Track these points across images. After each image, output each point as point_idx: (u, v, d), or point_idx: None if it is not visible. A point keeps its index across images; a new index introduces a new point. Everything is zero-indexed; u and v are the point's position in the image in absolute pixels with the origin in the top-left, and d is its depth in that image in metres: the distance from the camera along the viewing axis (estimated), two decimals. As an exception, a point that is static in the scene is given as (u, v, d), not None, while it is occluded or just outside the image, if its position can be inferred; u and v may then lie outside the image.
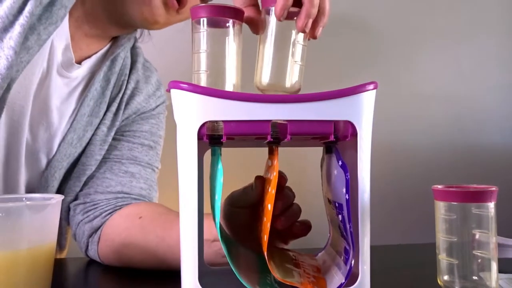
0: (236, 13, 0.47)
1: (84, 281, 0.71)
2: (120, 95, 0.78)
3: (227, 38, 0.47)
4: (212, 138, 0.45)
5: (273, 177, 0.47)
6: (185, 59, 0.48)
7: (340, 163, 0.47)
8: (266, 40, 0.47)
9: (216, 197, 0.45)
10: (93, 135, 0.76)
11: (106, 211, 0.74)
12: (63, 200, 0.74)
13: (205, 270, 0.53)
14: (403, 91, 1.35)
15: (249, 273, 0.47)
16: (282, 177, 0.53)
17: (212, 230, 0.49)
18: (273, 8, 0.46)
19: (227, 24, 0.47)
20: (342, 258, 0.49)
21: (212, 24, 0.47)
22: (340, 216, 0.47)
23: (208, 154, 0.50)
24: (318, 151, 0.55)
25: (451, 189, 0.52)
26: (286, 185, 0.56)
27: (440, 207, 0.52)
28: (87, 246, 0.75)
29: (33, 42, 0.62)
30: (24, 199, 0.57)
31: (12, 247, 0.49)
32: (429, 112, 1.37)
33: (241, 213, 0.56)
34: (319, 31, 0.48)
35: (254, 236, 0.53)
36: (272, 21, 0.47)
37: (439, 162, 1.35)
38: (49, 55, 0.69)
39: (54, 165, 0.73)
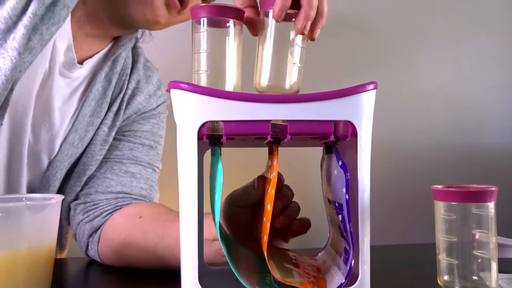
0: (236, 13, 0.47)
1: (84, 281, 0.71)
2: (121, 95, 0.78)
3: (227, 38, 0.47)
4: (212, 138, 0.45)
5: (273, 177, 0.47)
6: (186, 59, 0.48)
7: (340, 163, 0.47)
8: (265, 42, 0.47)
9: (216, 197, 0.45)
10: (94, 135, 0.76)
11: (106, 211, 0.74)
12: (63, 200, 0.74)
13: (205, 270, 0.53)
14: (403, 91, 1.35)
15: (248, 273, 0.47)
16: (278, 178, 0.53)
17: (212, 229, 0.49)
18: (271, 10, 0.46)
19: (228, 24, 0.47)
20: (342, 258, 0.49)
21: (212, 24, 0.47)
22: (340, 216, 0.47)
23: (208, 154, 0.50)
24: (318, 151, 0.55)
25: (451, 189, 0.52)
26: (285, 183, 0.56)
27: (440, 207, 0.52)
28: (87, 246, 0.75)
29: (35, 43, 0.62)
30: (24, 199, 0.57)
31: (12, 247, 0.49)
32: (429, 112, 1.37)
33: (241, 213, 0.56)
34: (317, 33, 0.48)
35: (254, 236, 0.53)
36: (271, 23, 0.47)
37: (439, 162, 1.35)
38: (51, 55, 0.69)
39: (56, 165, 0.73)
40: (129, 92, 0.79)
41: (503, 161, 1.39)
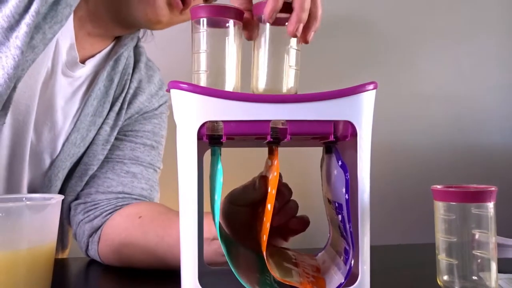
0: (236, 13, 0.47)
1: (84, 281, 0.71)
2: (123, 94, 0.78)
3: (227, 38, 0.47)
4: (212, 138, 0.45)
5: (273, 177, 0.47)
6: (187, 59, 0.48)
7: (340, 163, 0.47)
8: (260, 46, 0.47)
9: (216, 197, 0.45)
10: (96, 134, 0.76)
11: (106, 211, 0.74)
12: (64, 199, 0.75)
13: (205, 270, 0.53)
14: (403, 91, 1.35)
15: (248, 273, 0.47)
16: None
17: (212, 228, 0.49)
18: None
19: (227, 24, 0.47)
20: (341, 258, 0.49)
21: (212, 24, 0.47)
22: (340, 216, 0.47)
23: (208, 154, 0.50)
24: (318, 151, 0.55)
25: (450, 189, 0.52)
26: (283, 182, 0.56)
27: (440, 207, 0.52)
28: (87, 245, 0.75)
29: (38, 41, 0.62)
30: (24, 199, 0.57)
31: (12, 247, 0.49)
32: (429, 112, 1.37)
33: (240, 211, 0.56)
34: (311, 35, 0.48)
35: (253, 235, 0.53)
36: (265, 28, 0.47)
37: (439, 162, 1.35)
38: (54, 54, 0.69)
39: (58, 165, 0.73)
40: (131, 91, 0.79)
41: (503, 161, 1.39)
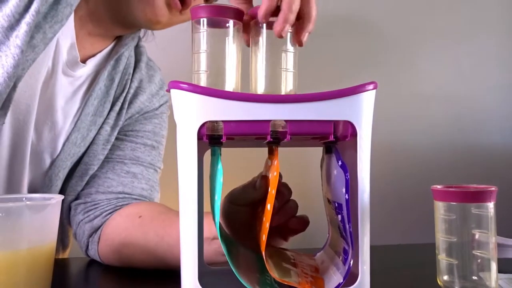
0: (236, 13, 0.47)
1: (84, 281, 0.71)
2: (124, 94, 0.78)
3: (227, 38, 0.47)
4: (212, 138, 0.45)
5: (273, 177, 0.47)
6: (188, 59, 0.48)
7: (340, 163, 0.47)
8: (257, 50, 0.48)
9: (216, 197, 0.45)
10: (96, 134, 0.76)
11: (106, 211, 0.74)
12: (64, 199, 0.75)
13: (205, 270, 0.53)
14: (403, 91, 1.35)
15: (249, 273, 0.47)
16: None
17: (212, 228, 0.49)
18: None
19: (227, 24, 0.47)
20: (340, 258, 0.49)
21: (212, 24, 0.47)
22: (339, 216, 0.47)
23: (208, 154, 0.50)
24: (318, 151, 0.56)
25: (450, 189, 0.52)
26: (283, 181, 0.56)
27: (440, 207, 0.52)
28: (87, 245, 0.75)
29: (38, 41, 0.62)
30: (24, 199, 0.57)
31: (12, 247, 0.49)
32: (429, 112, 1.37)
33: (240, 211, 0.56)
34: (305, 37, 0.48)
35: (253, 234, 0.53)
36: (262, 31, 0.47)
37: (439, 162, 1.35)
38: (55, 53, 0.69)
39: (58, 164, 0.73)
40: (131, 91, 0.79)
41: (503, 161, 1.39)
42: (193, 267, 0.43)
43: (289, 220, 0.56)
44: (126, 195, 0.76)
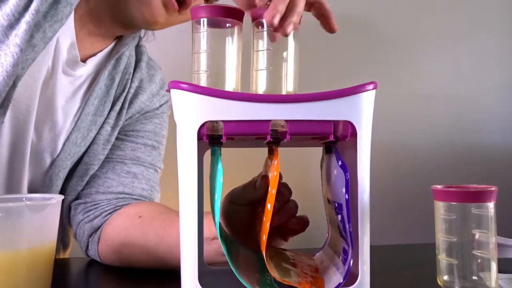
0: (236, 13, 0.47)
1: (84, 281, 0.71)
2: (124, 94, 0.78)
3: (227, 38, 0.47)
4: (212, 138, 0.45)
5: (273, 177, 0.47)
6: (189, 59, 0.48)
7: (339, 163, 0.47)
8: (258, 51, 0.47)
9: (216, 197, 0.45)
10: (97, 134, 0.76)
11: (106, 211, 0.74)
12: (64, 199, 0.75)
13: (205, 270, 0.53)
14: (403, 91, 1.35)
15: (249, 273, 0.47)
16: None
17: (212, 228, 0.49)
18: (263, 20, 0.46)
19: (227, 24, 0.47)
20: (340, 258, 0.49)
21: (212, 24, 0.47)
22: (339, 216, 0.47)
23: (208, 154, 0.50)
24: (318, 151, 0.56)
25: (450, 189, 0.52)
26: (283, 181, 0.56)
27: (440, 207, 0.52)
28: (87, 245, 0.75)
29: (38, 40, 0.61)
30: (24, 199, 0.57)
31: (12, 247, 0.49)
32: (429, 112, 1.37)
33: (240, 211, 0.56)
34: (289, 28, 0.47)
35: (253, 234, 0.53)
36: (262, 33, 0.47)
37: (439, 162, 1.35)
38: (55, 53, 0.69)
39: (59, 164, 0.73)
40: (132, 91, 0.79)
41: (503, 161, 1.40)
42: (193, 267, 0.43)
43: (289, 221, 0.56)
44: (126, 195, 0.76)
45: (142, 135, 0.81)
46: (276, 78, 0.47)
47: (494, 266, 0.50)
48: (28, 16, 0.58)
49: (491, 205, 0.51)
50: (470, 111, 1.39)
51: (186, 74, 0.49)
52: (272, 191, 0.46)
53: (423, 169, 1.34)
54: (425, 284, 0.60)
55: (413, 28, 1.37)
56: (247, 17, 0.49)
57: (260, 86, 0.47)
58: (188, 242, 0.43)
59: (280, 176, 0.55)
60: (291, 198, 0.57)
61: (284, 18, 0.47)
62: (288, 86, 0.47)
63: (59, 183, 0.74)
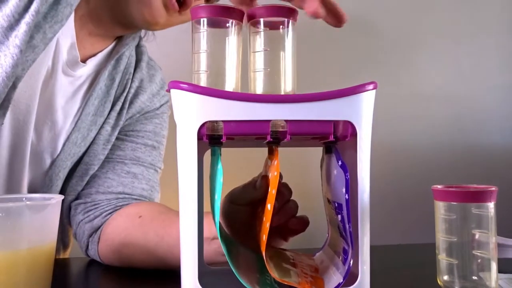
0: (236, 13, 0.47)
1: (84, 281, 0.71)
2: (125, 94, 0.78)
3: (227, 38, 0.47)
4: (212, 138, 0.45)
5: (273, 177, 0.47)
6: (189, 59, 0.48)
7: (339, 163, 0.47)
8: (255, 50, 0.47)
9: (216, 197, 0.45)
10: (97, 134, 0.76)
11: (106, 211, 0.74)
12: (64, 199, 0.75)
13: (205, 270, 0.53)
14: (403, 91, 1.35)
15: (249, 273, 0.47)
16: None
17: (212, 228, 0.49)
18: (260, 20, 0.46)
19: (227, 24, 0.47)
20: (340, 258, 0.49)
21: (212, 24, 0.47)
22: (339, 216, 0.47)
23: (208, 154, 0.50)
24: (318, 151, 0.55)
25: (450, 189, 0.52)
26: (283, 181, 0.56)
27: (440, 207, 0.52)
28: (87, 245, 0.75)
29: (38, 41, 0.61)
30: (24, 199, 0.57)
31: (12, 247, 0.49)
32: (429, 112, 1.37)
33: (240, 211, 0.56)
34: (319, 7, 0.46)
35: (253, 234, 0.53)
36: (260, 32, 0.47)
37: (439, 162, 1.35)
38: (55, 53, 0.69)
39: (59, 164, 0.73)
40: (132, 91, 0.79)
41: (503, 161, 1.40)
42: (193, 267, 0.43)
43: (289, 221, 0.56)
44: (126, 195, 0.76)
45: (142, 135, 0.81)
46: (274, 78, 0.47)
47: (494, 266, 0.50)
48: (28, 17, 0.58)
49: (491, 205, 0.51)
50: (470, 111, 1.39)
51: (187, 74, 0.49)
52: (272, 191, 0.46)
53: (423, 169, 1.34)
54: (425, 284, 0.60)
55: (413, 28, 1.37)
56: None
57: (258, 86, 0.47)
58: (188, 242, 0.43)
59: (280, 176, 0.55)
60: (291, 198, 0.57)
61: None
62: (287, 85, 0.47)
63: (59, 183, 0.74)
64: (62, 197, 0.55)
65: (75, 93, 0.73)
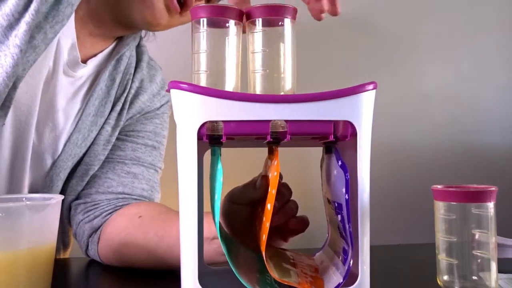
0: (236, 13, 0.47)
1: (84, 281, 0.71)
2: (125, 94, 0.78)
3: (227, 38, 0.47)
4: (212, 138, 0.45)
5: (273, 177, 0.47)
6: (189, 59, 0.48)
7: (339, 163, 0.47)
8: (254, 50, 0.47)
9: (216, 196, 0.45)
10: (97, 134, 0.76)
11: (106, 211, 0.74)
12: (65, 199, 0.75)
13: (205, 270, 0.53)
14: (403, 91, 1.35)
15: (249, 273, 0.47)
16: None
17: (212, 227, 0.49)
18: (258, 19, 0.46)
19: (227, 24, 0.47)
20: (340, 258, 0.49)
21: (212, 24, 0.47)
22: (339, 216, 0.47)
23: (208, 154, 0.50)
24: (318, 151, 0.56)
25: (450, 189, 0.52)
26: (283, 182, 0.56)
27: (440, 207, 0.52)
28: (87, 245, 0.75)
29: (39, 41, 0.61)
30: (24, 199, 0.57)
31: (12, 247, 0.49)
32: (429, 112, 1.37)
33: (240, 210, 0.56)
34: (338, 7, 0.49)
35: (253, 234, 0.53)
36: (258, 31, 0.47)
37: (439, 162, 1.35)
38: (55, 54, 0.69)
39: (59, 165, 0.73)
40: (132, 91, 0.79)
41: (503, 161, 1.39)
42: (193, 267, 0.43)
43: (289, 221, 0.56)
44: (126, 196, 0.76)
45: (142, 135, 0.81)
46: (274, 77, 0.47)
47: (494, 266, 0.51)
48: (28, 17, 0.58)
49: (491, 205, 0.51)
50: (470, 111, 1.39)
51: (187, 74, 0.49)
52: (272, 191, 0.46)
53: (423, 169, 1.34)
54: (425, 284, 0.60)
55: (413, 28, 1.37)
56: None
57: (258, 86, 0.47)
58: (188, 242, 0.43)
59: (280, 176, 0.55)
60: (291, 198, 0.57)
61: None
62: (286, 84, 0.47)
63: (59, 184, 0.74)
64: (62, 197, 0.55)
65: (76, 94, 0.73)
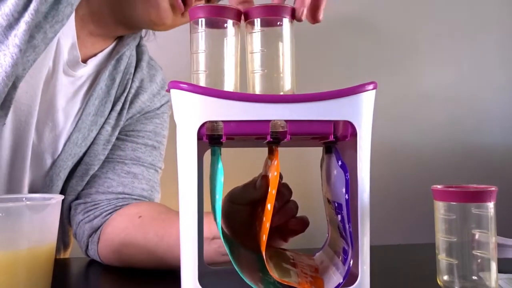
0: (234, 13, 0.47)
1: (84, 281, 0.71)
2: (125, 94, 0.78)
3: (225, 38, 0.47)
4: (212, 138, 0.45)
5: (273, 177, 0.47)
6: (189, 59, 0.48)
7: (339, 163, 0.47)
8: (253, 50, 0.47)
9: (217, 196, 0.45)
10: (97, 134, 0.76)
11: (106, 211, 0.74)
12: (65, 199, 0.75)
13: (205, 270, 0.53)
14: (403, 91, 1.35)
15: (251, 272, 0.47)
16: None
17: (212, 227, 0.49)
18: (256, 19, 0.46)
19: (225, 25, 0.47)
20: (340, 258, 0.49)
21: (210, 24, 0.47)
22: (339, 216, 0.47)
23: (208, 154, 0.50)
24: (318, 151, 0.56)
25: (450, 189, 0.52)
26: (283, 182, 0.56)
27: (440, 207, 0.52)
28: (87, 245, 0.75)
29: (39, 41, 0.61)
30: (24, 199, 0.57)
31: (12, 247, 0.49)
32: (429, 112, 1.37)
33: (240, 210, 0.56)
34: (321, 15, 0.48)
35: (253, 234, 0.53)
36: (256, 32, 0.47)
37: (439, 162, 1.35)
38: (56, 53, 0.68)
39: (59, 164, 0.73)
40: (132, 91, 0.79)
41: (503, 161, 1.39)
42: (193, 267, 0.43)
43: (289, 221, 0.56)
44: (126, 196, 0.76)
45: (142, 135, 0.81)
46: (273, 77, 0.47)
47: (494, 266, 0.50)
48: (27, 16, 0.58)
49: (491, 205, 0.51)
50: (470, 111, 1.39)
51: (187, 74, 0.49)
52: (272, 191, 0.46)
53: (423, 169, 1.34)
54: (425, 284, 0.60)
55: (413, 28, 1.37)
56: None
57: (257, 86, 0.47)
58: (188, 242, 0.43)
59: (280, 176, 0.55)
60: (291, 198, 0.57)
61: (316, 8, 0.48)
62: (286, 84, 0.47)
63: (59, 184, 0.74)
64: (62, 197, 0.55)
65: (76, 93, 0.73)
